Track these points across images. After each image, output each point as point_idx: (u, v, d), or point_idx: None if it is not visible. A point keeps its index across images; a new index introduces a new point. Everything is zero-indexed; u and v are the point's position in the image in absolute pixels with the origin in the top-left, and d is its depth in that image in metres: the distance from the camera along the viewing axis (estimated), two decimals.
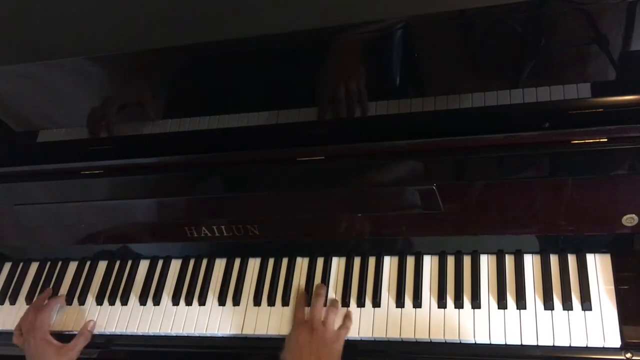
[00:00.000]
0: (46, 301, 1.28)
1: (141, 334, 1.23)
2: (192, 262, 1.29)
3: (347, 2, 0.96)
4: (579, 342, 1.02)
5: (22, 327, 1.24)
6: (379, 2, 0.93)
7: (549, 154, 0.99)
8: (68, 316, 1.28)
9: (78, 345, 1.20)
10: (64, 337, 1.26)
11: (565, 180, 1.01)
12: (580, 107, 0.98)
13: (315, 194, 1.12)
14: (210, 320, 1.20)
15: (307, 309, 1.15)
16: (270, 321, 1.17)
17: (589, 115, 0.97)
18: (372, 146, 1.05)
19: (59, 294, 1.31)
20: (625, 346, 1.01)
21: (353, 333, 1.12)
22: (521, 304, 1.07)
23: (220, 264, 1.27)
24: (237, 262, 1.26)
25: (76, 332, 1.24)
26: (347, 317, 1.13)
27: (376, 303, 1.14)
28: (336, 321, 1.12)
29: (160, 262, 1.31)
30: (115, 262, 1.33)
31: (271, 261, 1.25)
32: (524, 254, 1.12)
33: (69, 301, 1.30)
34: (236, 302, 1.21)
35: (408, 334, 1.09)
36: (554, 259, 1.11)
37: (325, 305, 1.15)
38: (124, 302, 1.27)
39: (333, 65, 1.01)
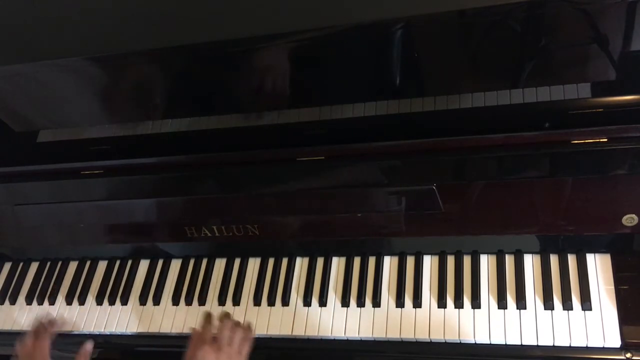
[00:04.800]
0: (46, 327, 1.18)
1: (141, 334, 1.23)
2: (192, 262, 1.29)
3: (348, 1, 0.96)
4: (579, 342, 1.02)
5: (19, 354, 1.14)
6: (380, 2, 0.93)
7: (549, 154, 0.99)
8: (68, 316, 1.28)
9: None
10: (65, 337, 1.26)
11: (565, 180, 1.01)
12: (580, 107, 0.98)
13: (315, 194, 1.12)
14: None
15: None
16: (270, 321, 1.17)
17: (589, 115, 0.97)
18: (372, 146, 1.05)
19: (58, 294, 1.32)
20: (625, 346, 1.00)
21: (353, 333, 1.12)
22: (521, 304, 1.07)
23: (220, 264, 1.27)
24: (237, 262, 1.26)
25: (78, 332, 1.25)
26: (246, 329, 1.08)
27: (376, 303, 1.14)
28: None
29: (160, 262, 1.31)
30: (115, 262, 1.33)
31: (271, 261, 1.25)
32: (524, 254, 1.12)
33: (69, 301, 1.30)
34: (236, 302, 1.21)
35: (408, 334, 1.09)
36: (554, 259, 1.11)
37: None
38: (124, 302, 1.27)
39: (333, 65, 1.02)
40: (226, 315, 1.13)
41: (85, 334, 1.26)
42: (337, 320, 1.14)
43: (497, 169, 1.03)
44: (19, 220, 1.28)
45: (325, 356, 1.15)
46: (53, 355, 1.32)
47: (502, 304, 1.08)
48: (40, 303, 1.32)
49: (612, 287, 1.06)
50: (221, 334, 1.07)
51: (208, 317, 1.13)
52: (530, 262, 1.11)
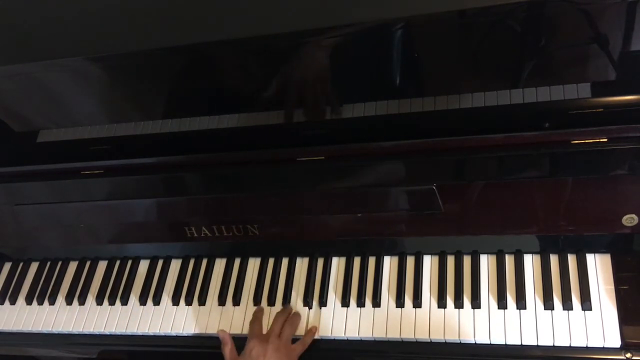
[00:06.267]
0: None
1: (141, 334, 1.23)
2: (192, 262, 1.29)
3: (348, 1, 0.96)
4: (579, 342, 1.02)
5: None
6: (380, 2, 0.93)
7: (549, 154, 0.99)
8: (68, 316, 1.28)
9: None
10: (66, 337, 1.27)
11: (565, 180, 1.01)
12: (580, 107, 0.98)
13: (315, 194, 1.12)
14: (211, 320, 1.20)
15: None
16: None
17: (589, 115, 0.97)
18: (372, 146, 1.05)
19: (58, 294, 1.32)
20: (625, 346, 1.01)
21: (353, 333, 1.12)
22: (521, 304, 1.07)
23: (220, 264, 1.27)
24: (237, 262, 1.26)
25: (78, 332, 1.25)
26: (308, 333, 1.13)
27: (376, 303, 1.14)
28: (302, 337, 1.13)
29: (160, 262, 1.31)
30: (115, 262, 1.33)
31: (271, 261, 1.25)
32: (524, 254, 1.12)
33: (69, 301, 1.30)
34: (236, 302, 1.21)
35: (408, 334, 1.09)
36: (554, 259, 1.11)
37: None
38: (124, 302, 1.27)
39: (333, 65, 1.01)
40: (281, 311, 1.17)
41: (86, 334, 1.26)
42: (337, 320, 1.14)
43: (497, 169, 1.03)
44: (19, 220, 1.27)
45: (325, 356, 1.15)
46: (53, 356, 1.33)
47: (502, 304, 1.08)
48: (40, 303, 1.32)
49: (612, 287, 1.06)
50: (271, 327, 1.12)
51: (259, 310, 1.18)
52: (530, 262, 1.11)
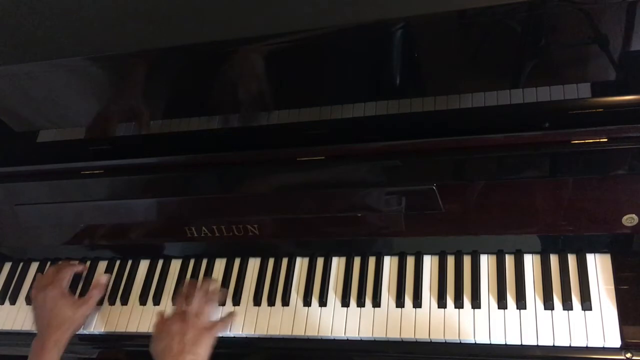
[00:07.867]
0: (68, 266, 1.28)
1: (141, 334, 1.23)
2: (192, 262, 1.29)
3: (348, 1, 0.96)
4: (579, 342, 1.02)
5: (38, 284, 1.24)
6: (380, 2, 0.93)
7: (549, 154, 0.99)
8: None
9: (93, 298, 1.21)
10: None
11: (565, 180, 1.01)
12: (580, 107, 0.98)
13: (315, 194, 1.12)
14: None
15: None
16: (270, 321, 1.17)
17: (589, 115, 0.97)
18: (373, 146, 1.06)
19: None
20: (625, 346, 1.00)
21: (353, 333, 1.12)
22: (521, 304, 1.07)
23: (220, 264, 1.27)
24: (237, 262, 1.26)
25: (78, 332, 1.25)
26: (230, 314, 1.15)
27: (376, 303, 1.14)
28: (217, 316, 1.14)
29: (160, 262, 1.31)
30: (115, 262, 1.33)
31: (271, 261, 1.24)
32: (524, 254, 1.12)
33: None
34: (236, 302, 1.21)
35: (408, 334, 1.09)
36: (554, 259, 1.11)
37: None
38: (124, 302, 1.27)
39: (333, 65, 1.02)
40: (205, 282, 1.17)
41: (85, 334, 1.26)
42: (337, 320, 1.14)
43: (497, 169, 1.03)
44: (19, 220, 1.28)
45: (325, 356, 1.15)
46: None
47: (502, 304, 1.08)
48: None
49: (612, 287, 1.06)
50: (191, 305, 1.09)
51: (186, 285, 1.17)
52: (530, 262, 1.11)
